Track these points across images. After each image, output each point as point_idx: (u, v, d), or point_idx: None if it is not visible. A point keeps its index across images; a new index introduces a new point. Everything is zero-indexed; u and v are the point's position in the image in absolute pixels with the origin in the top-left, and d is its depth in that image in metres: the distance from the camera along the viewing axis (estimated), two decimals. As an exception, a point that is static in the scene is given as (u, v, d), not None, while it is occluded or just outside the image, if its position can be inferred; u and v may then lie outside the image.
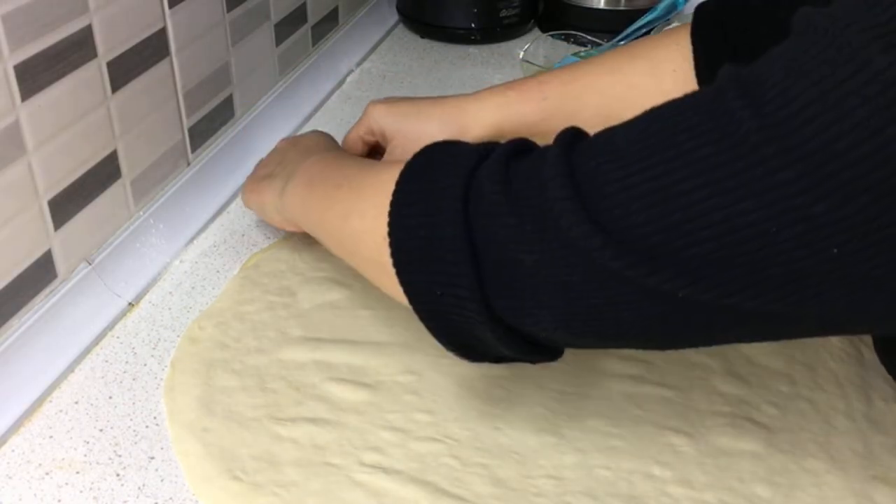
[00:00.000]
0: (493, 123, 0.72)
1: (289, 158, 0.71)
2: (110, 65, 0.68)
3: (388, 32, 1.19)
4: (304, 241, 0.76)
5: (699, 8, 0.70)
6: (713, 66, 0.66)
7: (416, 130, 0.72)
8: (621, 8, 1.13)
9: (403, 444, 0.58)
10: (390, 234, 0.48)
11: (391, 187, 0.49)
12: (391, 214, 0.48)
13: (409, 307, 0.49)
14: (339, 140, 0.78)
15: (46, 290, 0.66)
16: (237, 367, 0.64)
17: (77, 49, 0.65)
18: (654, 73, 0.69)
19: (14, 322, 0.63)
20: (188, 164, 0.82)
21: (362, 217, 0.53)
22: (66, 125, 0.65)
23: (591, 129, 0.69)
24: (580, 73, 0.72)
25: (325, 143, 0.75)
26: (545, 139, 0.72)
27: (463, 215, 0.45)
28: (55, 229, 0.65)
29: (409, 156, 0.71)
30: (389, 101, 0.76)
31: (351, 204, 0.55)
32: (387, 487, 0.55)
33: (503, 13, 1.15)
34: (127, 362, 0.65)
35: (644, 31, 1.05)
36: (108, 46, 0.68)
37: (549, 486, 0.56)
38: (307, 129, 0.96)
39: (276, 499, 0.55)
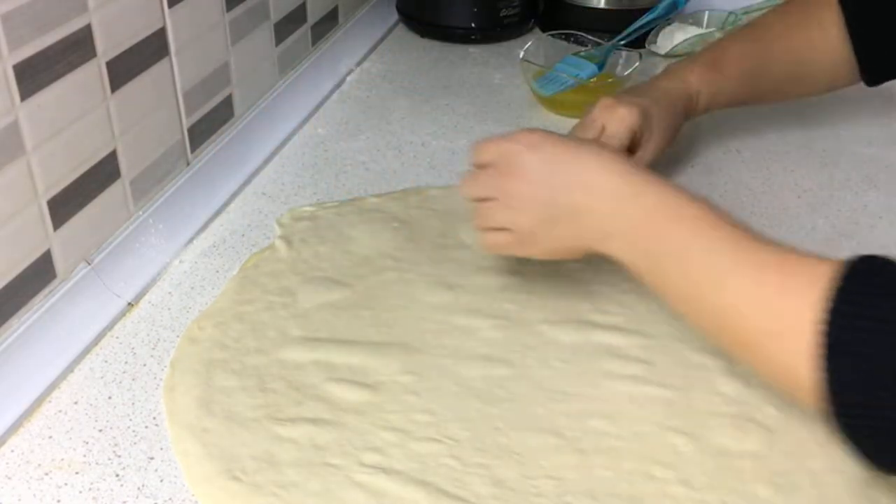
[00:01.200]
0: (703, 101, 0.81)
1: (535, 198, 0.62)
2: (110, 64, 0.68)
3: (388, 32, 1.19)
4: (303, 240, 0.76)
5: None
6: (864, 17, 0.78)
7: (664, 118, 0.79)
8: (621, 8, 1.13)
9: (403, 444, 0.58)
10: (827, 347, 0.47)
11: (821, 283, 0.49)
12: (831, 321, 0.47)
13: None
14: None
15: (46, 290, 0.66)
16: (237, 368, 0.64)
17: (76, 49, 0.64)
18: (822, 35, 0.79)
19: (13, 322, 0.63)
20: (188, 163, 0.82)
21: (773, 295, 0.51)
22: (66, 125, 0.65)
23: (779, 88, 0.85)
24: (764, 44, 0.82)
25: (591, 157, 0.63)
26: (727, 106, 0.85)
27: None
28: (54, 229, 0.65)
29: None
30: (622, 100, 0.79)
31: (753, 280, 0.52)
32: (387, 488, 0.55)
33: (503, 13, 1.15)
34: (126, 362, 0.65)
35: (644, 30, 1.05)
36: (108, 46, 0.68)
37: (549, 487, 0.56)
38: (307, 128, 0.96)
39: (276, 499, 0.55)
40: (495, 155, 0.64)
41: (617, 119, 0.77)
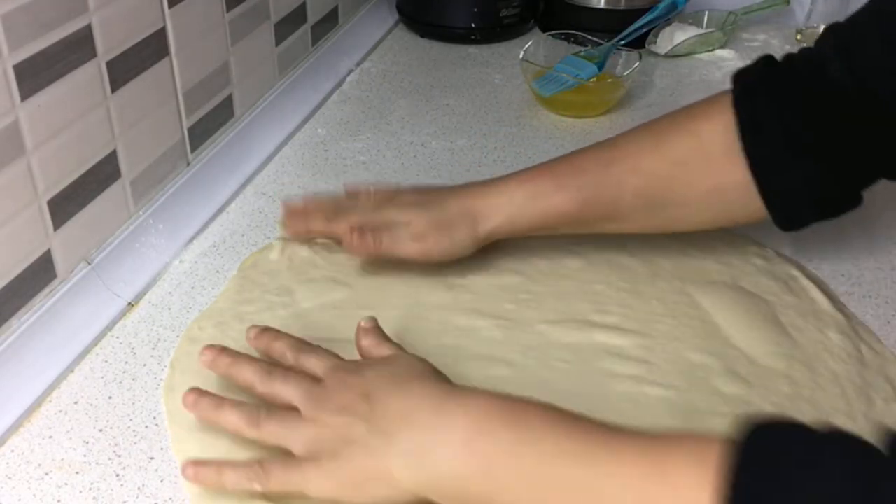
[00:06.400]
0: (525, 216, 0.68)
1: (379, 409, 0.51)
2: (110, 64, 0.68)
3: (388, 32, 1.19)
4: (303, 240, 0.76)
5: (739, 74, 0.67)
6: (757, 132, 0.64)
7: (438, 220, 0.69)
8: (621, 8, 1.13)
9: (403, 444, 0.58)
10: None
11: (707, 470, 0.40)
12: None
13: None
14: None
15: (46, 290, 0.66)
16: (237, 368, 0.64)
17: (77, 49, 0.65)
18: (700, 148, 0.66)
19: (13, 322, 0.63)
20: (188, 163, 0.82)
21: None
22: (66, 125, 0.65)
23: (632, 211, 0.66)
24: (619, 155, 0.68)
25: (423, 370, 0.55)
26: (579, 228, 0.69)
27: None
28: (55, 229, 0.65)
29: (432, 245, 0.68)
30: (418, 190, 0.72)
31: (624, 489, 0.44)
32: (387, 488, 0.55)
33: (503, 13, 1.15)
34: (126, 362, 0.65)
35: (644, 30, 1.05)
36: (108, 46, 0.68)
37: (550, 487, 0.55)
38: (307, 128, 0.96)
39: (274, 501, 0.54)
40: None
41: (400, 222, 0.69)
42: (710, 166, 0.65)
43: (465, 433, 0.48)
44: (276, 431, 0.53)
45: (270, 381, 0.55)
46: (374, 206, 0.72)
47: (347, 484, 0.50)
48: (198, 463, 0.53)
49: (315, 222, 0.74)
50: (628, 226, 0.69)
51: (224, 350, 0.59)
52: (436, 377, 0.54)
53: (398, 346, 0.58)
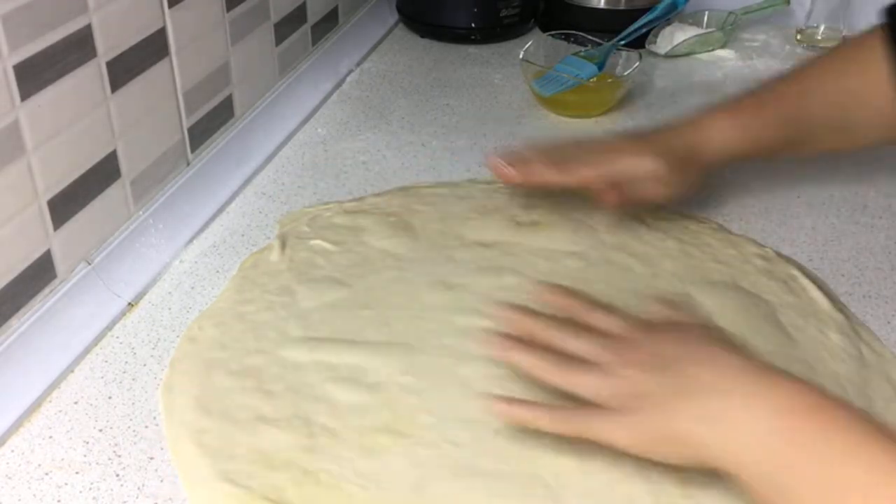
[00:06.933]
0: (731, 146, 0.75)
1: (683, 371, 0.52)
2: (110, 64, 0.68)
3: (388, 32, 1.19)
4: (303, 240, 0.76)
5: (892, 9, 0.73)
6: None
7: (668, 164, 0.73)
8: (621, 8, 1.13)
9: (403, 446, 0.58)
10: None
11: None
12: None
13: None
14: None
15: (46, 290, 0.66)
16: (236, 368, 0.64)
17: (77, 49, 0.65)
18: (866, 80, 0.73)
19: (13, 322, 0.63)
20: (188, 163, 0.82)
21: None
22: (66, 125, 0.65)
23: (811, 143, 0.77)
24: (802, 88, 0.76)
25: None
26: (769, 156, 0.79)
27: None
28: (55, 229, 0.65)
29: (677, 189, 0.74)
30: (628, 140, 0.76)
31: None
32: (385, 492, 0.55)
33: (503, 13, 1.15)
34: (126, 362, 0.65)
35: (644, 30, 1.05)
36: (108, 46, 0.68)
37: (549, 488, 0.55)
38: (307, 128, 0.96)
39: (270, 502, 0.54)
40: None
41: (644, 170, 0.73)
42: (878, 96, 0.73)
43: (773, 416, 0.48)
44: (575, 378, 0.54)
45: (567, 337, 0.57)
46: (595, 156, 0.75)
47: (641, 440, 0.51)
48: (511, 402, 0.56)
49: (548, 173, 0.75)
50: (806, 153, 0.80)
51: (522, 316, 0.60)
52: (733, 349, 0.54)
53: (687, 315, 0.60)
